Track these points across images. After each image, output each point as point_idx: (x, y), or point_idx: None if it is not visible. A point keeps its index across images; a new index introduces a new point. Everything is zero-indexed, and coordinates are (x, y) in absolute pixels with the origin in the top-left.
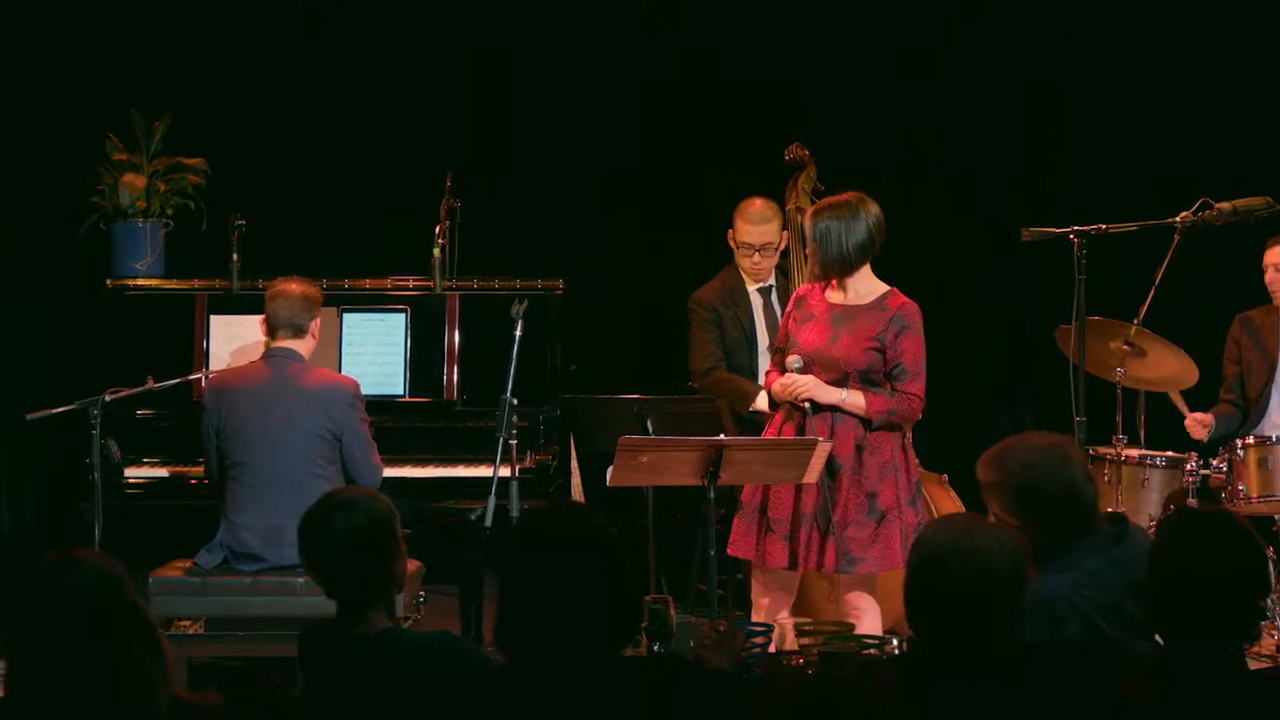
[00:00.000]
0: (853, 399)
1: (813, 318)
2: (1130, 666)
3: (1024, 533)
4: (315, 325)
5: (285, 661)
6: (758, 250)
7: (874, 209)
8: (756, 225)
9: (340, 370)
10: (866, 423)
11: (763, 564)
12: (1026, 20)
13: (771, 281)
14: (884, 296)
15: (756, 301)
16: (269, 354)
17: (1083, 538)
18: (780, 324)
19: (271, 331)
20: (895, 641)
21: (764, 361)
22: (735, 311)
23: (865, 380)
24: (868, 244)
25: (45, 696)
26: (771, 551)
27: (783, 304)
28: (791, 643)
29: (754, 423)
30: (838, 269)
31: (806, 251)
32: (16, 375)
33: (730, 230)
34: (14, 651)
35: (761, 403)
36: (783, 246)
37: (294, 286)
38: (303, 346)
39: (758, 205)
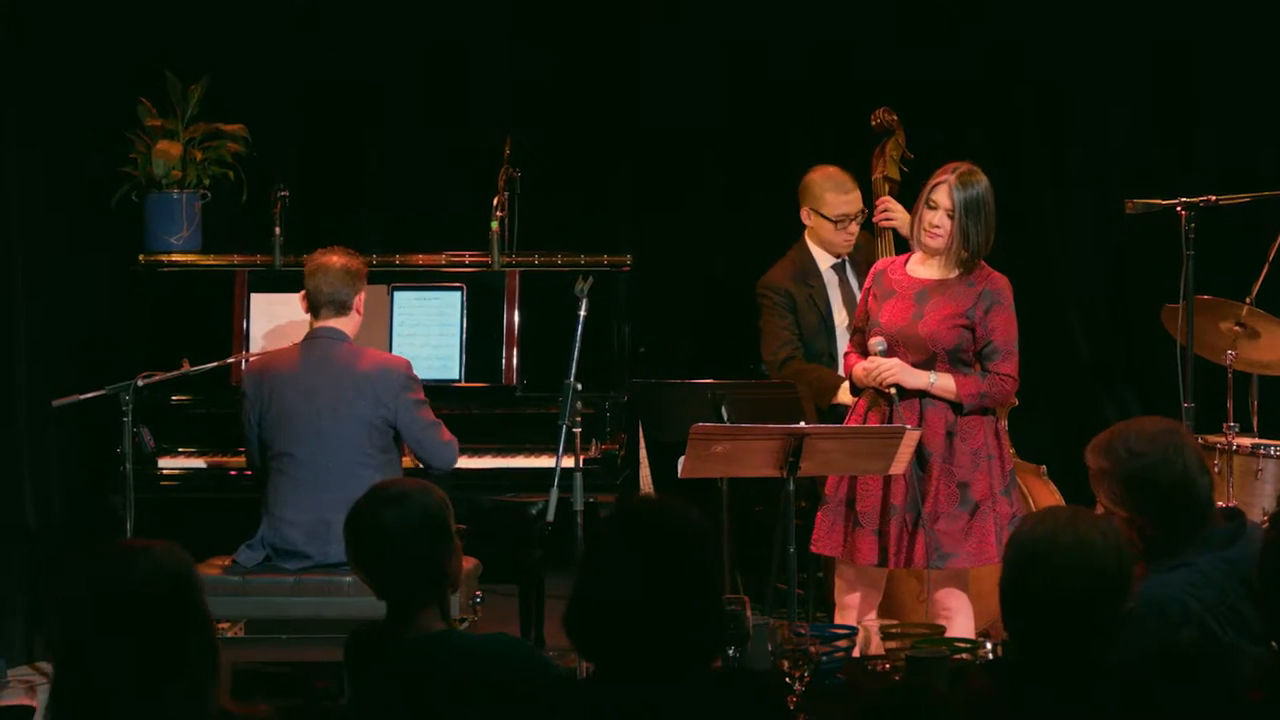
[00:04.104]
0: (942, 381)
1: (894, 294)
2: (1248, 672)
3: (1133, 525)
4: (360, 300)
5: (331, 666)
6: (853, 219)
7: None
8: (849, 194)
9: (391, 354)
10: (957, 407)
11: (852, 561)
12: None
13: (844, 256)
14: (971, 270)
15: (831, 279)
16: (312, 335)
17: (1196, 534)
18: (859, 302)
19: (313, 310)
20: (989, 645)
21: (843, 344)
22: (810, 292)
23: (954, 360)
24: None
25: (90, 693)
26: (861, 548)
27: (858, 279)
28: (877, 646)
29: (835, 412)
30: (984, 245)
31: (933, 222)
32: (42, 358)
33: (808, 208)
34: (64, 642)
35: (845, 396)
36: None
37: (334, 259)
38: (348, 325)
39: (842, 174)
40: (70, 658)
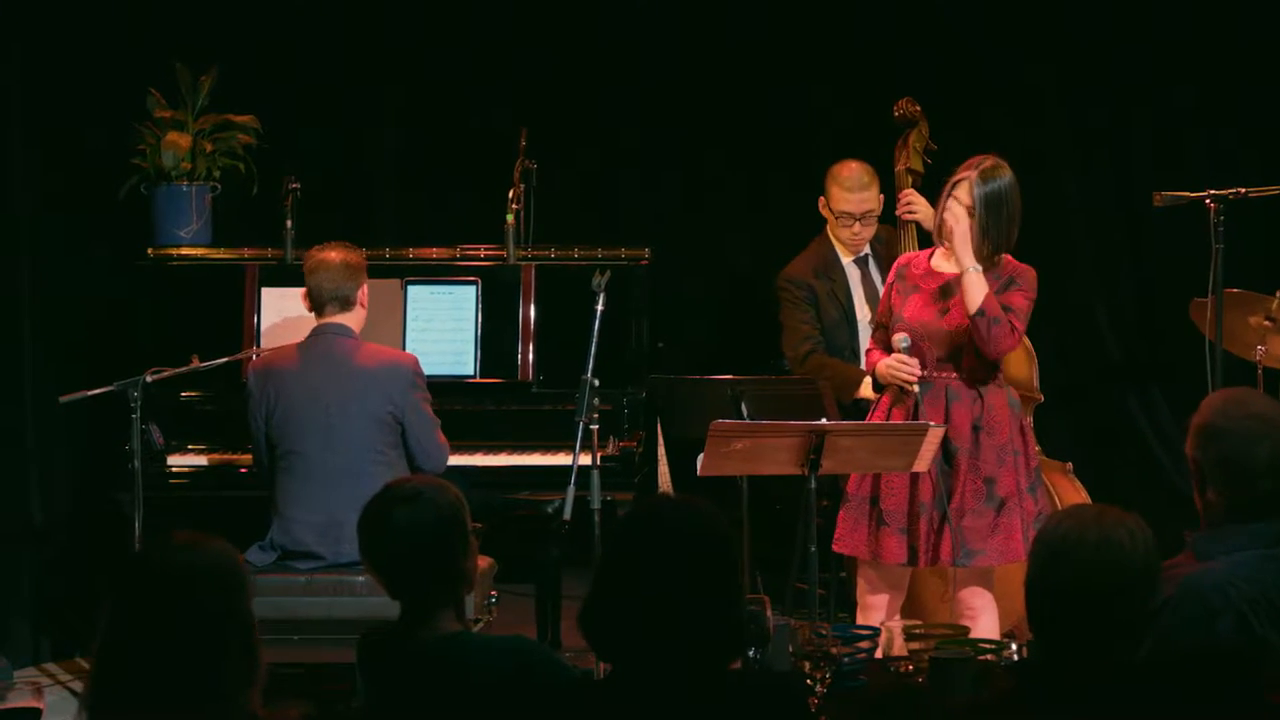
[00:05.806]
0: (978, 279)
1: (918, 289)
2: (1274, 673)
3: (1194, 477)
4: (363, 294)
5: (344, 668)
6: (858, 220)
7: None
8: (855, 193)
9: (405, 349)
10: (983, 402)
11: (877, 560)
12: None
13: (867, 250)
14: (996, 263)
15: (853, 274)
16: (317, 331)
17: (1244, 524)
18: (882, 297)
19: (317, 307)
20: (1014, 646)
21: (865, 339)
22: (831, 286)
23: (979, 355)
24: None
25: (128, 683)
26: (887, 547)
27: (881, 273)
28: (900, 647)
29: (857, 407)
30: (1005, 241)
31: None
32: (49, 353)
33: (823, 198)
34: (107, 631)
35: (866, 390)
36: (880, 212)
37: (333, 254)
38: (352, 320)
39: (854, 170)
40: (112, 647)
